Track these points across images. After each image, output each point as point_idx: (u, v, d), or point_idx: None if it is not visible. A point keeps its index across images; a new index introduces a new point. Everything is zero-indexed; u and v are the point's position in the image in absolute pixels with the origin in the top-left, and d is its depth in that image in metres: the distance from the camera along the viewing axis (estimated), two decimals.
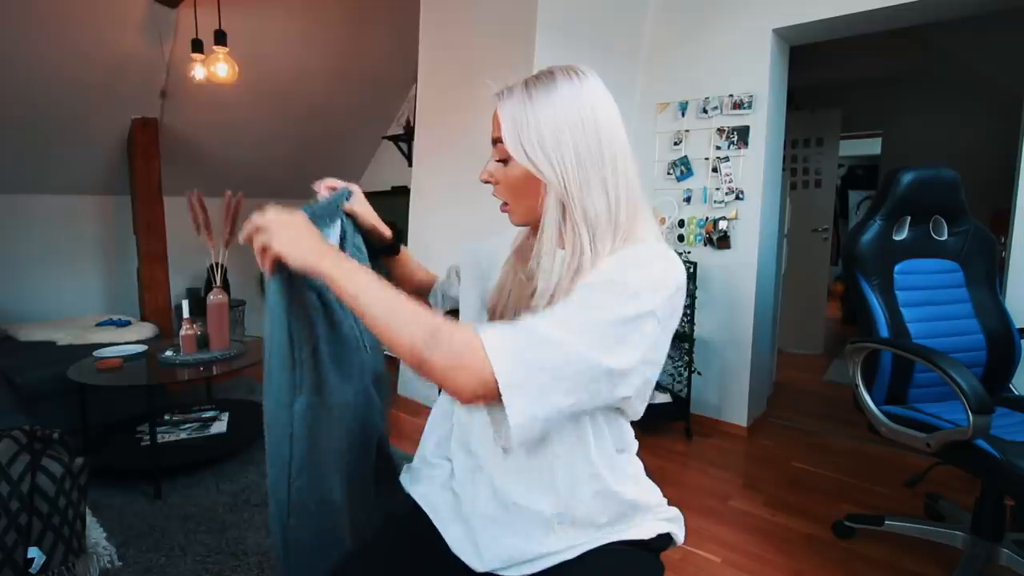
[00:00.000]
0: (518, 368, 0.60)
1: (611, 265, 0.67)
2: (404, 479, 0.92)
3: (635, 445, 0.83)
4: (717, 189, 2.73)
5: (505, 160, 0.73)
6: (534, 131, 0.68)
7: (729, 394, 2.81)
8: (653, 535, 0.81)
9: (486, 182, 0.76)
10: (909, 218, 1.73)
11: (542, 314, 0.64)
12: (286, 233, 0.69)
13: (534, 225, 0.74)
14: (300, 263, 0.68)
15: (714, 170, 2.74)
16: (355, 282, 0.66)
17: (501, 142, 0.71)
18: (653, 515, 0.83)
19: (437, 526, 0.83)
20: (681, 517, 0.87)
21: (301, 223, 0.71)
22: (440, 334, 0.61)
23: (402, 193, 3.83)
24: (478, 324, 0.67)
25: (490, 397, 0.61)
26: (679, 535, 0.85)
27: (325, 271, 0.67)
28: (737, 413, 2.79)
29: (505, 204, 0.77)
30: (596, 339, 0.61)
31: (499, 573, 0.77)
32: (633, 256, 0.68)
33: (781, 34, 2.61)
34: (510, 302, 0.77)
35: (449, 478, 0.85)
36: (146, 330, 3.09)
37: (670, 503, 0.87)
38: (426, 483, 0.87)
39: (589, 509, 0.76)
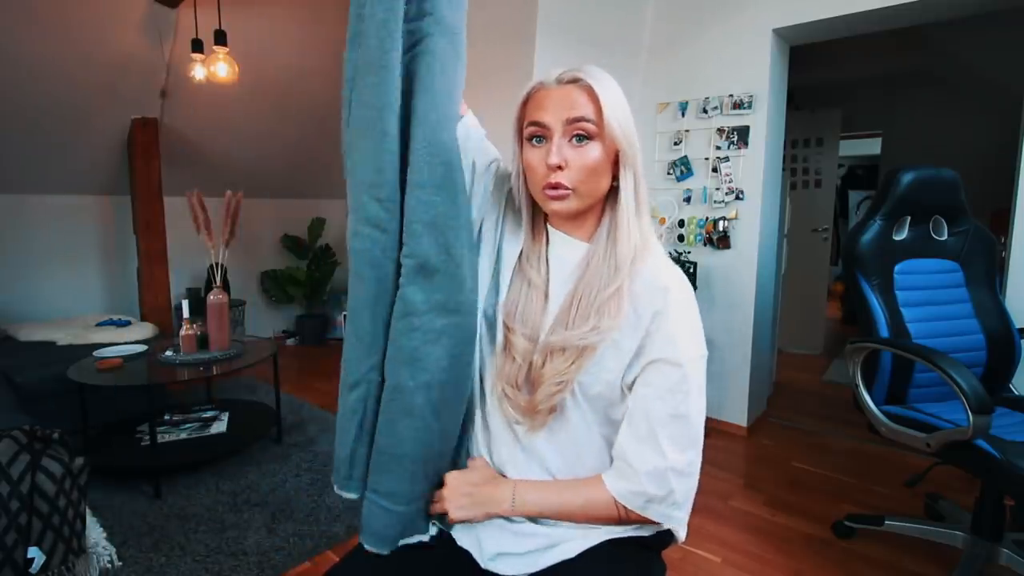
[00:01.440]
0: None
1: (680, 340, 0.73)
2: None
3: None
4: (717, 189, 2.73)
5: (586, 138, 0.73)
6: (620, 108, 0.74)
7: (729, 394, 2.81)
8: (654, 532, 0.81)
9: (558, 167, 0.73)
10: (909, 218, 1.73)
11: (671, 440, 0.73)
12: (457, 501, 0.77)
13: (585, 211, 0.78)
14: (482, 517, 0.78)
15: (714, 170, 2.74)
16: (541, 505, 0.77)
17: (584, 120, 0.72)
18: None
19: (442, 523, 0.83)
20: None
21: (466, 487, 0.78)
22: (627, 516, 0.76)
23: None
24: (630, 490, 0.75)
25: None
26: (680, 532, 0.85)
27: (506, 513, 0.77)
28: (737, 413, 2.79)
29: (565, 191, 0.74)
30: (697, 431, 0.75)
31: (502, 572, 0.77)
32: (680, 318, 0.74)
33: (781, 34, 2.61)
34: (525, 315, 0.79)
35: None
36: (146, 330, 3.09)
37: None
38: None
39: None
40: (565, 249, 0.81)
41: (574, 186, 0.73)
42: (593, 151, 0.73)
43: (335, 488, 0.80)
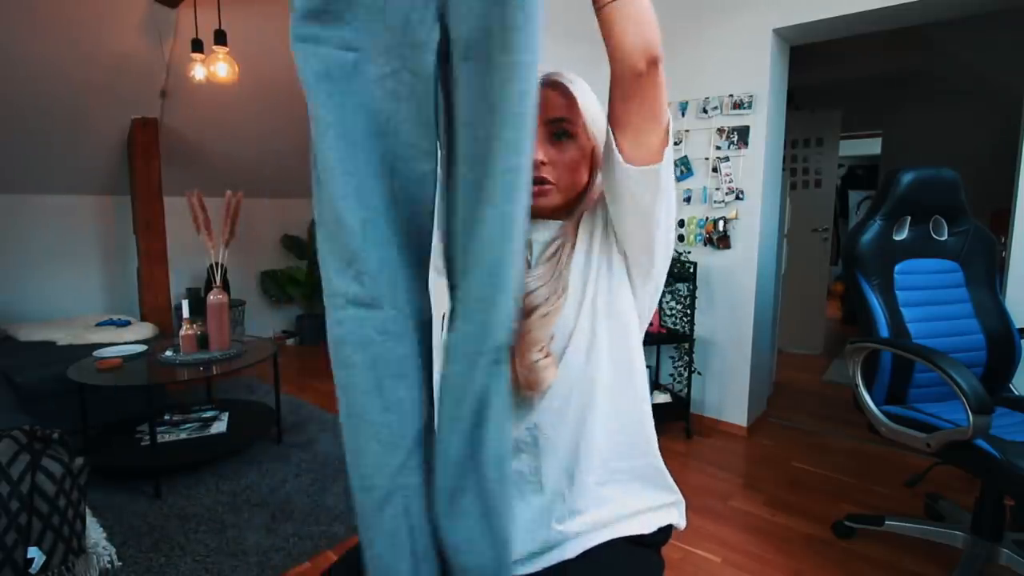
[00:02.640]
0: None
1: None
2: None
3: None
4: (717, 189, 2.73)
5: (564, 135, 0.79)
6: (595, 108, 0.80)
7: (729, 394, 2.81)
8: (654, 529, 0.81)
9: (541, 163, 0.78)
10: (909, 218, 1.73)
11: None
12: None
13: (564, 206, 0.82)
14: None
15: (714, 170, 2.74)
16: None
17: (563, 121, 0.78)
18: (657, 499, 0.83)
19: None
20: (683, 500, 0.87)
21: None
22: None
23: None
24: None
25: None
26: (681, 521, 0.86)
27: None
28: (737, 413, 2.79)
29: (549, 186, 0.79)
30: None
31: None
32: None
33: (781, 34, 2.61)
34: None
35: None
36: (146, 330, 3.09)
37: None
38: None
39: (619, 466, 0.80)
40: (543, 232, 0.85)
41: (556, 181, 0.79)
42: (571, 148, 0.79)
43: None
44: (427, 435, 0.61)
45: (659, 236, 0.74)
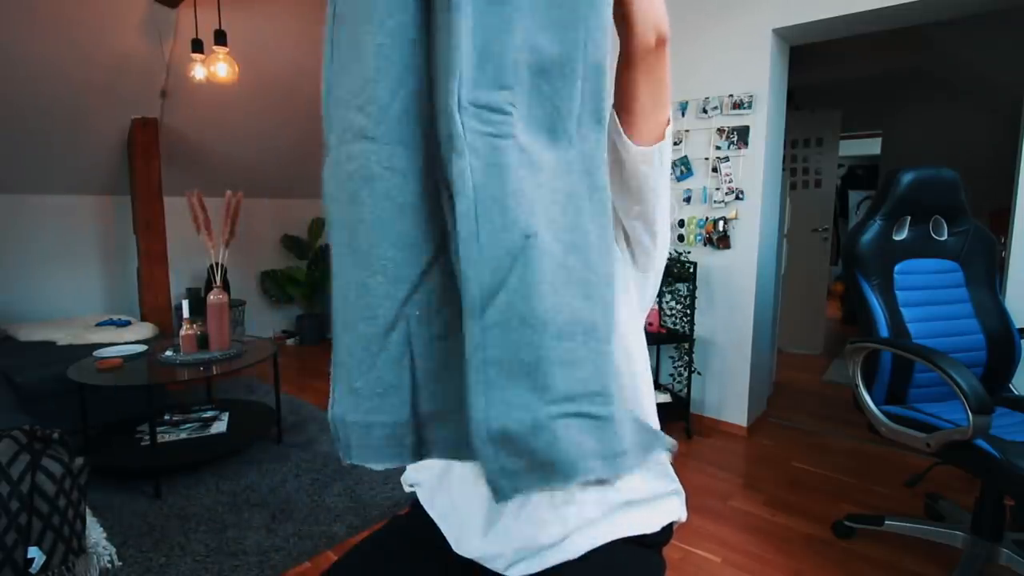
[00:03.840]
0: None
1: None
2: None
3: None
4: (717, 189, 2.73)
5: None
6: None
7: (729, 394, 2.81)
8: (657, 528, 0.81)
9: None
10: (909, 218, 1.73)
11: None
12: None
13: None
14: None
15: (714, 170, 2.74)
16: None
17: None
18: (658, 487, 0.83)
19: (431, 514, 0.83)
20: (683, 490, 0.88)
21: None
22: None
23: None
24: None
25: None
26: (682, 513, 0.86)
27: None
28: (737, 413, 2.79)
29: None
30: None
31: (502, 572, 0.77)
32: None
33: (781, 34, 2.61)
34: None
35: (446, 468, 0.85)
36: (146, 330, 3.10)
37: None
38: (422, 471, 0.87)
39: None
40: None
41: None
42: None
43: (376, 466, 0.57)
44: (438, 275, 0.58)
45: (660, 214, 0.74)
